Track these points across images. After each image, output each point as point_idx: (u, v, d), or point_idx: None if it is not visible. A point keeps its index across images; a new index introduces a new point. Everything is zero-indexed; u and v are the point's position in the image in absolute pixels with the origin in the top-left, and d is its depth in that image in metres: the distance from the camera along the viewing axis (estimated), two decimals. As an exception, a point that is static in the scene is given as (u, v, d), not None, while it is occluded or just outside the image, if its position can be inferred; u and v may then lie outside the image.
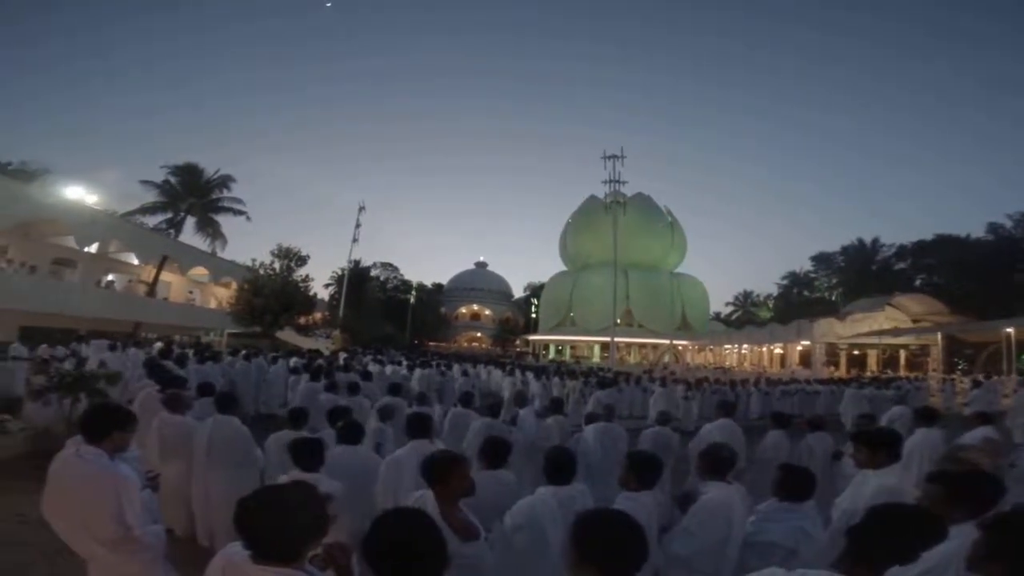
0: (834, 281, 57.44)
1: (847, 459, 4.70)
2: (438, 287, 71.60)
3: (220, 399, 4.19)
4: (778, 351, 38.17)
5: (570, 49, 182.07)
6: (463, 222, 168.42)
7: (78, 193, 24.37)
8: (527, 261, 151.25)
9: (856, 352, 34.60)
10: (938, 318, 29.59)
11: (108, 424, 2.56)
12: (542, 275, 67.98)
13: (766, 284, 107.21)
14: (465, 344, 65.27)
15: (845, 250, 54.66)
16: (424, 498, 2.29)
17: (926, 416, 5.32)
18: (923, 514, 1.78)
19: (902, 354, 33.86)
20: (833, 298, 54.78)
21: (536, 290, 64.82)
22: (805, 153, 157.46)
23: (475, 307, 71.28)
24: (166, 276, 29.61)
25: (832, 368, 32.11)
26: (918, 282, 46.09)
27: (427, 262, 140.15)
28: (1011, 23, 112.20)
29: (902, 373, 28.06)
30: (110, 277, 27.26)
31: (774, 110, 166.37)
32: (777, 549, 2.58)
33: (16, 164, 33.23)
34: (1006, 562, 1.47)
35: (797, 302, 56.43)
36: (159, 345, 14.94)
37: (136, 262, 27.79)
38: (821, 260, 57.87)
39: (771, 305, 64.45)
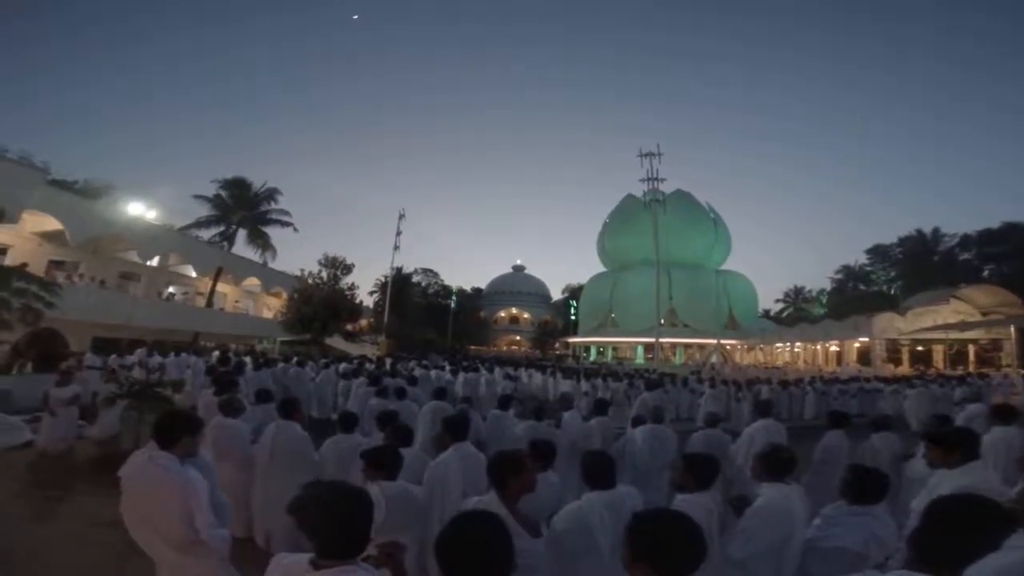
0: (892, 274, 54.51)
1: (915, 461, 4.43)
2: (477, 291, 72.19)
3: (283, 405, 4.32)
4: (834, 348, 36.36)
5: (601, 49, 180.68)
6: (500, 226, 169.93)
7: (139, 209, 25.70)
8: (565, 263, 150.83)
9: (920, 348, 32.52)
10: (1009, 310, 27.40)
11: (178, 430, 2.66)
12: (580, 277, 67.59)
13: (818, 279, 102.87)
14: (504, 348, 65.49)
15: (903, 241, 51.83)
16: (489, 499, 2.30)
17: (1003, 414, 4.93)
18: (985, 504, 1.62)
19: (971, 349, 31.56)
20: (892, 292, 51.88)
21: (575, 292, 64.35)
22: (855, 142, 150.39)
23: (514, 310, 71.50)
24: (221, 287, 31.09)
25: (893, 366, 30.30)
26: (985, 272, 43.02)
27: (466, 267, 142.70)
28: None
29: (972, 369, 26.15)
30: (170, 289, 28.88)
31: (821, 96, 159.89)
32: (846, 554, 2.44)
33: (81, 182, 35.46)
34: None
35: (852, 297, 53.62)
36: (216, 353, 15.67)
37: (193, 274, 29.31)
38: (877, 253, 55.00)
39: (824, 300, 61.57)
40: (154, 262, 25.70)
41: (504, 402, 6.32)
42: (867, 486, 2.53)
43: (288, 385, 10.95)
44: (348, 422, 4.15)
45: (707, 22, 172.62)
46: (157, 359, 12.73)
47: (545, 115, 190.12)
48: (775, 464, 2.78)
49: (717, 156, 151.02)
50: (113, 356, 13.63)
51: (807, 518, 2.68)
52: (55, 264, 20.28)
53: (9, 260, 16.26)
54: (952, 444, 3.07)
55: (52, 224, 18.62)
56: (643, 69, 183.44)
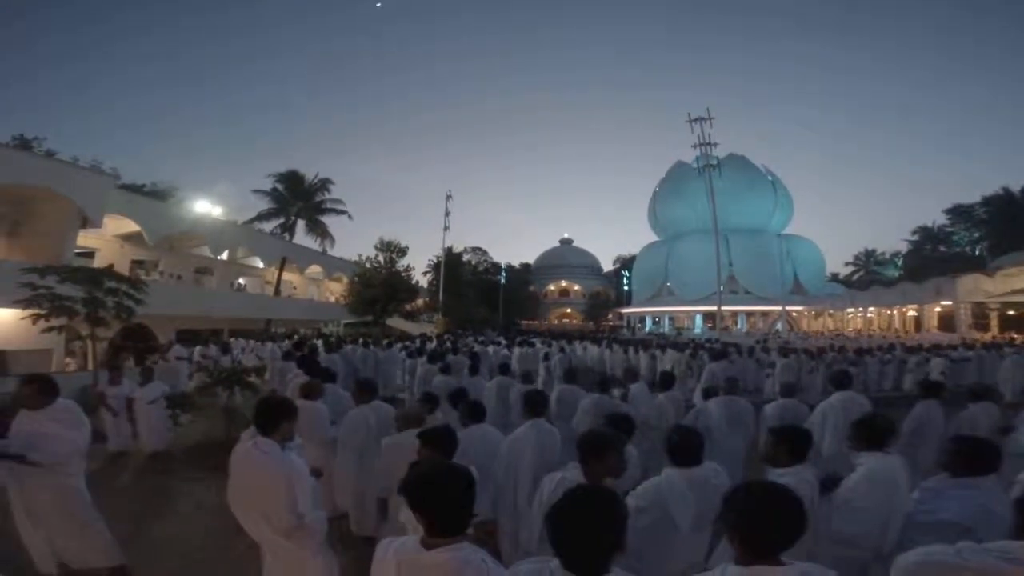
0: (976, 235, 50.04)
1: (1017, 434, 4.15)
2: (526, 267, 72.23)
3: (364, 386, 4.51)
4: (912, 313, 33.94)
5: (647, 20, 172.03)
6: (546, 202, 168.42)
7: (205, 207, 27.31)
8: (614, 234, 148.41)
9: (1011, 312, 29.77)
10: (1118, 268, 24.60)
11: (278, 415, 2.72)
12: (631, 247, 66.18)
13: (891, 242, 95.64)
14: (556, 321, 65.51)
15: (988, 201, 47.34)
16: (574, 476, 2.34)
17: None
18: None
19: (1070, 312, 28.58)
20: (977, 253, 47.69)
21: (626, 262, 63.20)
22: (928, 101, 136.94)
23: (563, 283, 71.22)
24: (287, 276, 32.69)
25: (980, 332, 27.94)
26: (1085, 231, 38.66)
27: (514, 244, 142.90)
28: None
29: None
30: (241, 280, 30.65)
31: (895, 48, 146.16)
32: (953, 528, 2.33)
33: (148, 185, 37.99)
34: None
35: (932, 259, 49.65)
36: (295, 338, 16.56)
37: (261, 265, 30.92)
38: (958, 213, 50.54)
39: (900, 263, 57.37)
40: (224, 256, 27.23)
41: (570, 375, 6.35)
42: (975, 456, 2.40)
43: (356, 366, 11.47)
44: (430, 402, 4.29)
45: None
46: (240, 342, 13.52)
47: (588, 88, 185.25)
48: (874, 432, 2.68)
49: (774, 122, 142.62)
50: (198, 348, 14.67)
51: (909, 488, 2.58)
52: (136, 263, 21.88)
53: (97, 262, 17.65)
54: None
55: (130, 226, 19.97)
56: (692, 31, 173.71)
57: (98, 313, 10.06)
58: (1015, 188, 45.75)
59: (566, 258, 72.52)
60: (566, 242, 76.34)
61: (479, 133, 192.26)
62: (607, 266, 73.27)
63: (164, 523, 4.83)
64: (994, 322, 29.45)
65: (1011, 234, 41.60)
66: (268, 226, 32.58)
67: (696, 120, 30.93)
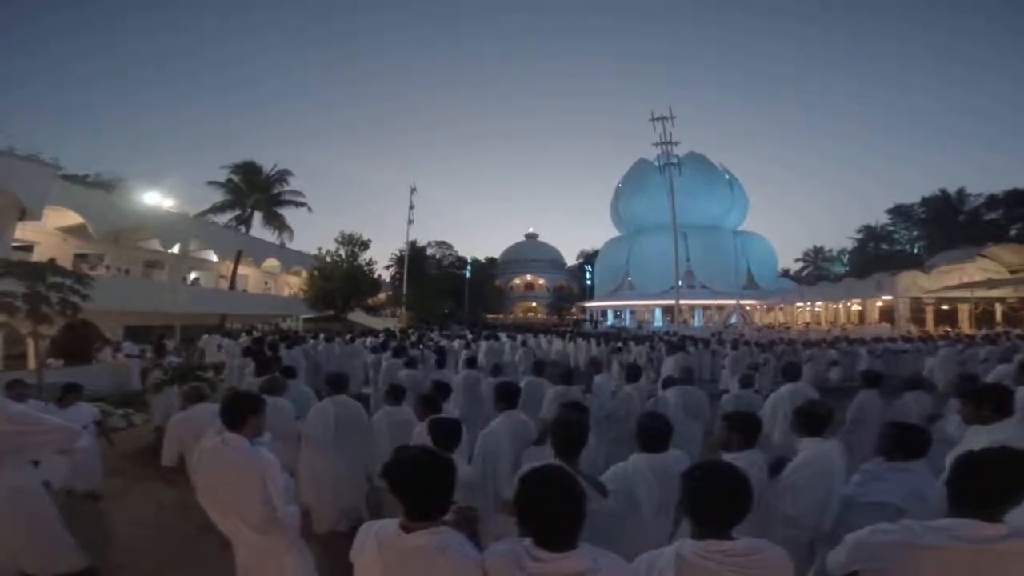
0: (915, 234, 53.64)
1: (943, 422, 4.50)
2: (491, 261, 72.31)
3: (333, 380, 4.48)
4: (856, 307, 35.87)
5: (611, 15, 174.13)
6: (511, 196, 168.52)
7: (155, 198, 26.02)
8: (578, 228, 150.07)
9: (945, 307, 31.88)
10: (1039, 269, 26.69)
11: (245, 410, 2.71)
12: (594, 242, 67.19)
13: (838, 239, 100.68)
14: (521, 315, 65.92)
15: (926, 201, 50.90)
16: (556, 463, 2.45)
17: (1031, 371, 4.97)
18: (1015, 452, 1.73)
19: (997, 308, 30.86)
20: (915, 251, 50.96)
21: (589, 257, 64.14)
22: (874, 105, 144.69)
23: (528, 278, 71.64)
24: (242, 270, 31.59)
25: (914, 326, 29.80)
26: (1013, 232, 41.88)
27: (479, 238, 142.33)
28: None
29: (999, 328, 25.64)
30: (193, 275, 29.45)
31: (842, 56, 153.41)
32: (887, 509, 2.53)
33: (92, 176, 35.63)
34: None
35: (874, 256, 52.70)
36: (255, 334, 16.05)
37: (215, 259, 29.79)
38: (899, 213, 54.02)
39: (845, 260, 60.54)
40: (175, 249, 26.12)
41: (538, 368, 6.46)
42: (907, 441, 2.59)
43: (319, 362, 11.26)
44: (397, 395, 4.31)
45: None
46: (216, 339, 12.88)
47: (551, 83, 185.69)
48: (813, 420, 2.88)
49: (734, 120, 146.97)
50: (148, 349, 13.95)
51: (845, 473, 2.78)
52: (79, 257, 20.70)
53: (36, 257, 16.62)
54: (986, 400, 3.14)
55: (73, 219, 18.94)
56: (654, 35, 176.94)
57: (41, 309, 9.52)
58: (952, 190, 49.13)
59: (531, 252, 72.90)
60: (531, 236, 76.70)
61: (445, 126, 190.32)
62: (571, 260, 74.25)
63: (130, 526, 4.69)
64: (929, 316, 31.48)
65: (946, 233, 44.72)
66: (223, 218, 31.31)
67: (659, 119, 31.65)
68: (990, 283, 27.38)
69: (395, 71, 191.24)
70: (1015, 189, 44.17)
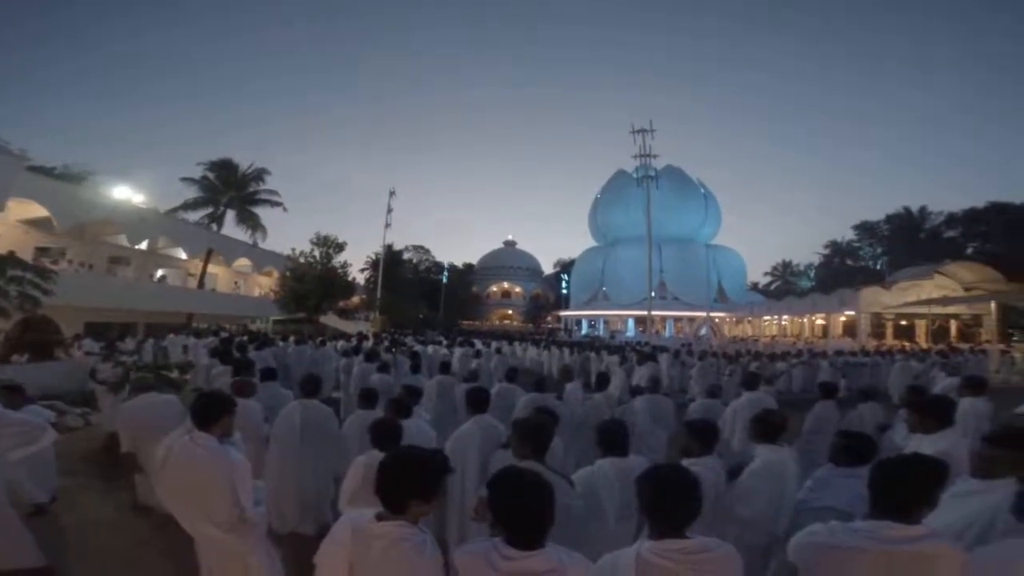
0: (879, 250, 55.70)
1: (892, 432, 4.74)
2: (469, 267, 72.23)
3: (305, 383, 4.46)
4: (820, 321, 37.08)
5: (594, 26, 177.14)
6: (491, 202, 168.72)
7: (125, 193, 25.33)
8: (556, 238, 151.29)
9: (904, 322, 33.23)
10: (992, 286, 27.88)
11: (218, 410, 2.70)
12: (572, 251, 67.79)
13: (806, 254, 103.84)
14: (497, 322, 65.95)
15: (890, 218, 53.18)
16: (531, 463, 2.54)
17: (973, 385, 5.31)
18: (928, 460, 1.87)
19: (952, 324, 32.32)
20: (878, 267, 52.93)
21: (566, 266, 64.63)
22: (845, 120, 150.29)
23: (506, 285, 71.78)
24: (212, 268, 30.86)
25: (876, 340, 30.97)
26: (969, 250, 43.95)
27: (458, 244, 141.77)
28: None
29: (954, 344, 26.85)
30: (160, 272, 28.62)
31: (813, 75, 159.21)
32: (834, 513, 2.67)
33: (60, 168, 34.41)
34: None
35: (840, 271, 54.58)
36: (223, 335, 15.67)
37: (184, 256, 29.02)
38: (864, 229, 56.14)
39: (812, 275, 62.50)
40: (143, 245, 25.38)
41: (512, 375, 6.53)
42: (855, 449, 2.74)
43: (289, 364, 11.09)
44: (370, 399, 4.32)
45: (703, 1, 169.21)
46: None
47: (535, 92, 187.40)
48: (767, 428, 3.03)
49: (710, 134, 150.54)
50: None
51: (799, 479, 2.92)
52: (40, 251, 19.96)
53: (-3, 249, 15.98)
54: (930, 411, 3.35)
55: (38, 211, 18.31)
56: (636, 46, 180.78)
57: (-2, 303, 9.18)
58: (915, 207, 51.21)
59: (509, 260, 73.06)
60: (510, 244, 76.92)
61: (426, 132, 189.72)
62: (548, 269, 74.68)
63: (89, 528, 4.53)
64: (889, 331, 32.77)
65: (908, 250, 46.60)
66: (195, 216, 30.57)
67: (639, 131, 32.20)
68: (946, 300, 28.62)
69: (379, 77, 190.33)
70: (973, 208, 46.14)
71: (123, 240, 23.88)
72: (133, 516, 4.50)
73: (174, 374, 7.65)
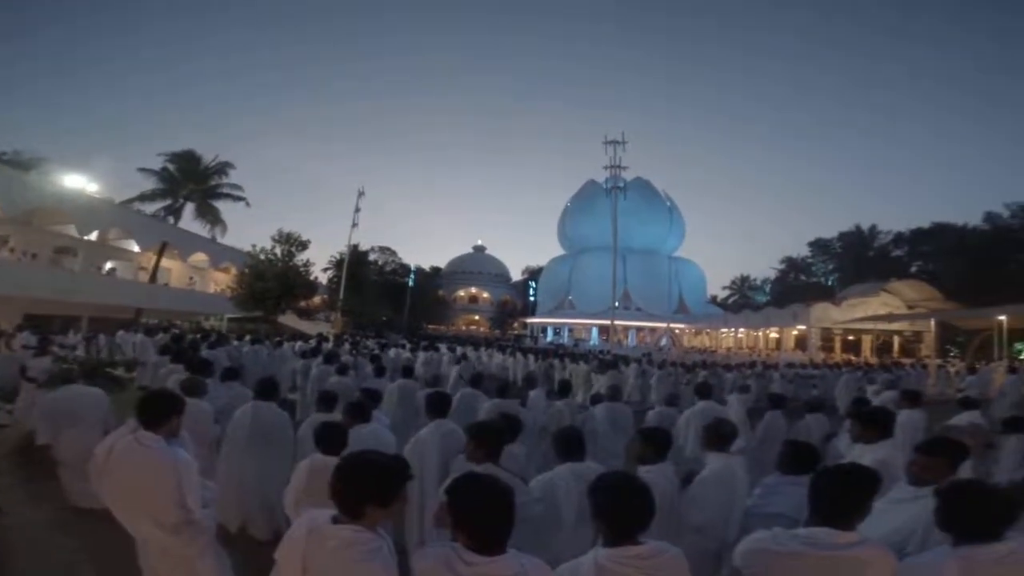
0: (831, 267, 58.14)
1: (836, 440, 4.97)
2: (436, 271, 71.69)
3: (261, 385, 4.32)
4: (774, 335, 38.52)
5: (568, 32, 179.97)
6: (461, 206, 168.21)
7: (78, 182, 24.29)
8: (525, 245, 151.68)
9: (851, 337, 34.90)
10: (932, 304, 29.66)
11: (167, 410, 2.61)
12: (540, 259, 68.29)
13: (764, 269, 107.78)
14: (463, 327, 65.63)
15: (842, 236, 55.52)
16: (486, 466, 2.56)
17: (910, 398, 5.64)
18: (862, 470, 1.98)
19: (896, 340, 34.16)
20: (830, 283, 55.32)
21: (534, 273, 65.06)
22: (804, 139, 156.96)
23: (473, 290, 71.54)
24: (166, 262, 29.63)
25: (825, 353, 32.39)
26: (914, 269, 46.43)
27: (426, 247, 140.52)
28: (1012, 11, 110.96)
29: (897, 358, 28.37)
30: (110, 264, 27.28)
31: (772, 95, 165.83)
32: (782, 519, 2.77)
33: (10, 154, 32.71)
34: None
35: (794, 287, 56.86)
36: (174, 331, 15.05)
37: (137, 249, 27.79)
38: (818, 246, 58.48)
39: (768, 289, 64.87)
40: (93, 236, 24.18)
41: (475, 380, 6.51)
42: (800, 458, 2.85)
43: (244, 364, 10.72)
44: (328, 402, 4.23)
45: (672, 22, 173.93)
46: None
47: (509, 99, 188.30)
48: (718, 436, 3.13)
49: (676, 147, 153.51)
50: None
51: (749, 486, 3.02)
52: (-23, 238, 18.84)
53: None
54: (871, 422, 3.54)
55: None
56: (608, 59, 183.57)
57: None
58: (866, 226, 53.77)
59: (477, 265, 72.87)
60: (479, 249, 76.68)
61: (397, 134, 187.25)
62: (516, 275, 74.88)
63: (30, 530, 4.27)
64: (837, 345, 34.35)
65: (858, 267, 48.94)
66: (152, 208, 29.33)
67: (611, 143, 32.77)
68: (890, 317, 30.25)
69: (350, 77, 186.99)
70: (919, 228, 48.75)
71: (72, 230, 22.69)
72: (77, 517, 4.25)
73: (119, 371, 7.27)
